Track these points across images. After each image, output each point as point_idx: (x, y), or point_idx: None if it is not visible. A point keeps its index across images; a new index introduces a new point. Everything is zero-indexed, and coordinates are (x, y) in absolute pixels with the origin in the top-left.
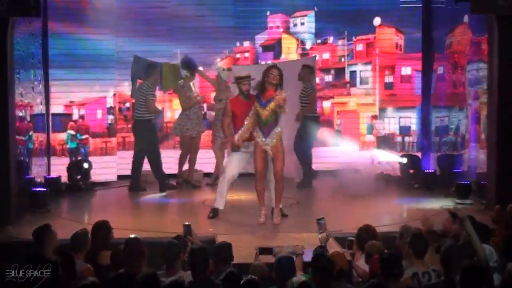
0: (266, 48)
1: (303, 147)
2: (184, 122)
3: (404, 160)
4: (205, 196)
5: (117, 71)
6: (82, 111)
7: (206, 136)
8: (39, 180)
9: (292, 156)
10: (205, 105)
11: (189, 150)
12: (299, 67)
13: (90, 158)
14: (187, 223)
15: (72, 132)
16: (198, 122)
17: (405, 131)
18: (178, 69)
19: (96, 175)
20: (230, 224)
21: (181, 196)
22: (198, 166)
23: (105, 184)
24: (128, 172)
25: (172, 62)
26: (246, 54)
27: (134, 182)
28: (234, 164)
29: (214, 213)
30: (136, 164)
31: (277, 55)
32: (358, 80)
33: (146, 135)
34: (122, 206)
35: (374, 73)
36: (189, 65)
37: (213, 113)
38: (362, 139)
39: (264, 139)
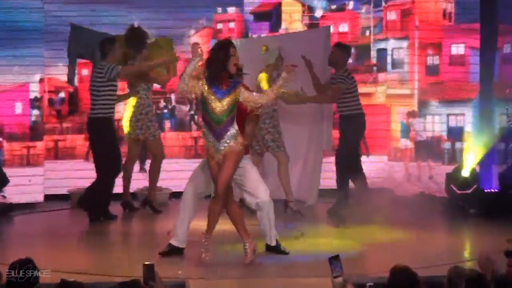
0: (259, 16)
1: (337, 155)
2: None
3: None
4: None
5: (46, 47)
6: None
7: (176, 140)
8: None
9: (295, 168)
10: (172, 96)
11: (133, 157)
12: (305, 44)
13: (6, 170)
14: (148, 262)
15: None
16: (150, 119)
17: (455, 134)
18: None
19: (15, 194)
20: (207, 264)
21: (139, 224)
22: (164, 183)
23: (27, 207)
24: (61, 190)
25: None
26: (231, 25)
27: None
28: (201, 175)
29: (171, 250)
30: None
31: (275, 25)
32: (389, 62)
33: (104, 138)
34: (53, 237)
35: (411, 52)
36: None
37: (184, 108)
38: (394, 145)
39: (216, 144)
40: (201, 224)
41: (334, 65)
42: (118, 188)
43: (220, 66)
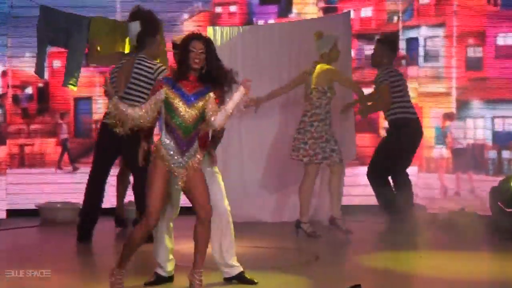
0: None
1: (370, 166)
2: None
3: None
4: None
5: (10, 34)
6: None
7: None
8: None
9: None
10: None
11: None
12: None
13: None
14: None
15: None
16: None
17: (502, 140)
18: (123, 31)
19: None
20: None
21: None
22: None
23: None
24: (28, 205)
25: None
26: (232, 8)
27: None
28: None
29: (157, 280)
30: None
31: (284, 10)
32: (421, 54)
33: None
34: (21, 261)
35: (448, 43)
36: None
37: None
38: (427, 153)
39: (179, 158)
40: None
41: (377, 65)
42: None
43: (182, 67)
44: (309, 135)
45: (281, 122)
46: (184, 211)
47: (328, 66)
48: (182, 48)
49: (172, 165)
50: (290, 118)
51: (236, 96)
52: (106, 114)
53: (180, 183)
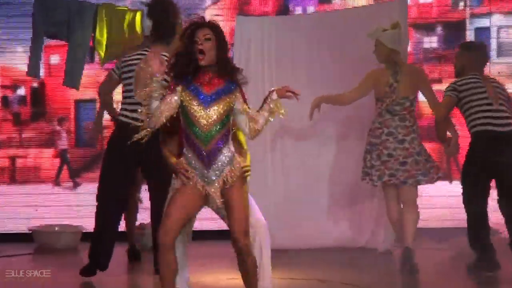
0: None
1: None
2: None
3: None
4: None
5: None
6: None
7: None
8: None
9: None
10: None
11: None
12: (372, 23)
13: None
14: None
15: None
16: None
17: None
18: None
19: None
20: None
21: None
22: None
23: None
24: (20, 229)
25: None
26: None
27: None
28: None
29: None
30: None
31: None
32: (493, 47)
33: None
34: None
35: None
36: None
37: None
38: None
39: (205, 173)
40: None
41: (459, 74)
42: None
43: (187, 59)
44: (405, 152)
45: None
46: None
47: (418, 67)
48: (187, 35)
49: (199, 181)
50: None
51: (271, 106)
52: (122, 113)
53: (217, 202)
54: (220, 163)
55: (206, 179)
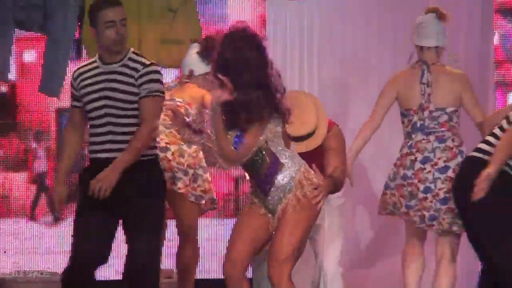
0: None
1: None
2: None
3: None
4: None
5: None
6: None
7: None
8: None
9: None
10: None
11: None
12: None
13: None
14: None
15: None
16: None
17: None
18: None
19: None
20: None
21: None
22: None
23: None
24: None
25: None
26: None
27: None
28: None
29: None
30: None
31: None
32: None
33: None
34: None
35: None
36: None
37: None
38: None
39: (266, 201)
40: None
41: None
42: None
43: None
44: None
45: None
46: None
47: (460, 72)
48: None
49: (264, 209)
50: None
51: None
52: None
53: (272, 225)
54: (277, 191)
55: (267, 207)
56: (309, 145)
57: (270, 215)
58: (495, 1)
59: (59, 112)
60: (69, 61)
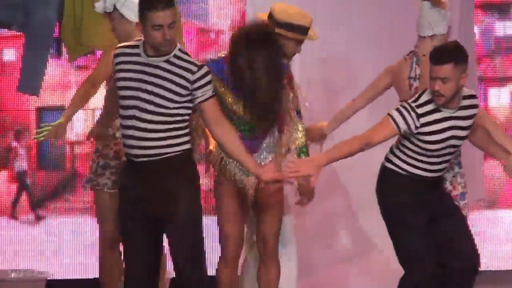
0: None
1: None
2: None
3: None
4: None
5: None
6: None
7: None
8: None
9: None
10: None
11: None
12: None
13: None
14: None
15: None
16: None
17: None
18: None
19: None
20: None
21: None
22: None
23: None
24: None
25: None
26: None
27: None
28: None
29: None
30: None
31: None
32: None
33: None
34: None
35: None
36: None
37: None
38: None
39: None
40: None
41: None
42: None
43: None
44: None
45: None
46: None
47: None
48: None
49: (238, 175)
50: None
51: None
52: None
53: (249, 194)
54: (265, 152)
55: (243, 171)
56: None
57: (242, 176)
58: None
59: (40, 110)
60: (48, 59)
